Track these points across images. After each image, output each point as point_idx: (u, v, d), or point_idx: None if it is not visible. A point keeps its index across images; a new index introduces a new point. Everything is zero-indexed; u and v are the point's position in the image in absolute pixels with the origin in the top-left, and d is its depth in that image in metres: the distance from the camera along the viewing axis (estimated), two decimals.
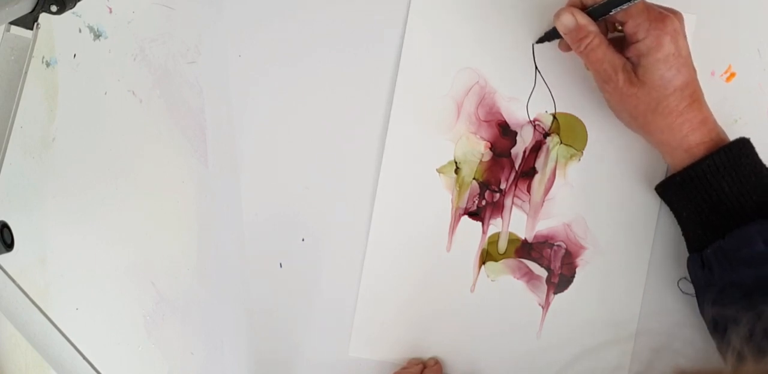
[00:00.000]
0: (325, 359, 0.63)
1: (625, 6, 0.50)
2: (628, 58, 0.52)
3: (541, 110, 0.59)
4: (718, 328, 0.53)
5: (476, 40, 0.59)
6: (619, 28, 0.53)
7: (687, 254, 0.57)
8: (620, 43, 0.54)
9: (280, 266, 0.63)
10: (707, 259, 0.52)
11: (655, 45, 0.50)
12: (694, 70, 0.52)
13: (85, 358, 0.52)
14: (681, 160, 0.53)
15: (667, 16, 0.50)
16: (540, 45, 0.59)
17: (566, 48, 0.55)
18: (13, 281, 0.50)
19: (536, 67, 0.59)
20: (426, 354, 0.62)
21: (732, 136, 0.53)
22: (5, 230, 0.51)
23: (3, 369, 0.71)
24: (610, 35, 0.55)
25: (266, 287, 0.64)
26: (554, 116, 0.59)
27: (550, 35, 0.57)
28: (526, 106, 0.59)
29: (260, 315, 0.64)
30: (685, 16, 0.52)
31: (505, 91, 0.59)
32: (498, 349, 0.61)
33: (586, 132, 0.59)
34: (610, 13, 0.51)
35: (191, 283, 0.65)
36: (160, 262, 0.66)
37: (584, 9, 0.53)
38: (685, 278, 0.58)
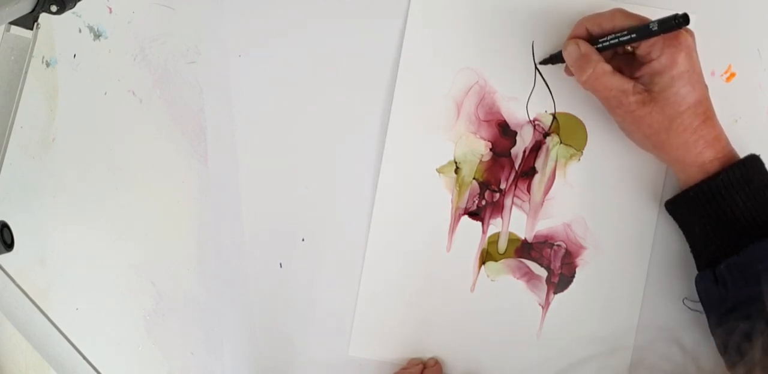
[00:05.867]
0: (325, 359, 0.63)
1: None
2: (637, 78, 0.52)
3: (541, 109, 0.59)
4: (729, 345, 0.52)
5: (476, 40, 0.59)
6: (629, 48, 0.53)
7: (686, 254, 0.57)
8: (627, 63, 0.54)
9: (280, 266, 0.63)
10: (721, 275, 0.52)
11: (670, 62, 0.50)
12: (707, 87, 0.52)
13: (85, 358, 0.52)
14: (694, 176, 0.53)
15: (680, 33, 0.50)
16: (539, 45, 0.59)
17: (571, 73, 0.55)
18: (13, 281, 0.50)
19: (536, 67, 0.59)
20: (426, 354, 0.62)
21: (732, 136, 0.53)
22: (5, 230, 0.51)
23: (3, 369, 0.71)
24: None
25: (266, 287, 0.64)
26: (554, 116, 0.59)
27: (555, 58, 0.57)
28: (525, 106, 0.59)
29: (260, 315, 0.64)
30: None
31: (505, 91, 0.59)
32: (498, 349, 0.61)
33: (586, 132, 0.59)
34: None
35: (191, 283, 0.65)
36: (160, 262, 0.66)
37: (592, 38, 0.53)
38: (686, 298, 0.58)
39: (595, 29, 0.53)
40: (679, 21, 0.49)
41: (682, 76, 0.50)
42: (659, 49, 0.50)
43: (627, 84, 0.52)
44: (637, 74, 0.52)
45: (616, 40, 0.52)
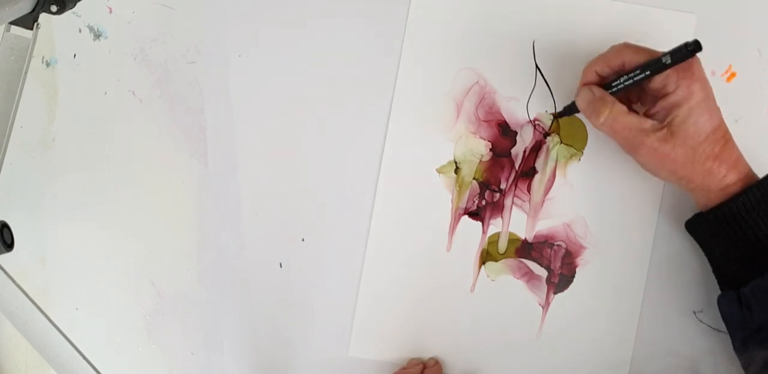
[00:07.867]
0: (325, 359, 0.63)
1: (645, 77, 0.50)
2: (652, 115, 0.51)
3: (541, 109, 0.59)
4: (754, 368, 0.52)
5: (476, 40, 0.59)
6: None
7: (687, 254, 0.57)
8: (636, 100, 0.53)
9: (280, 266, 0.63)
10: (745, 297, 0.51)
11: (687, 94, 0.49)
12: (720, 111, 0.51)
13: (85, 358, 0.52)
14: (715, 198, 0.52)
15: (691, 62, 0.49)
16: (539, 45, 0.59)
17: None
18: (13, 281, 0.50)
19: (536, 67, 0.59)
20: (426, 354, 0.62)
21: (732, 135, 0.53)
22: (5, 230, 0.51)
23: (3, 369, 0.71)
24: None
25: (266, 287, 0.64)
26: (554, 116, 0.59)
27: (571, 109, 0.56)
28: (526, 106, 0.59)
29: (260, 315, 0.64)
30: (685, 16, 0.52)
31: (505, 91, 0.59)
32: (498, 349, 0.61)
33: (586, 132, 0.59)
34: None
35: (191, 283, 0.65)
36: (160, 262, 0.66)
37: (603, 81, 0.53)
38: (696, 311, 0.58)
39: (605, 71, 0.52)
40: (692, 48, 0.47)
41: (699, 106, 0.49)
42: (674, 82, 0.49)
43: (645, 123, 0.50)
44: (653, 110, 0.51)
45: (631, 81, 0.51)
